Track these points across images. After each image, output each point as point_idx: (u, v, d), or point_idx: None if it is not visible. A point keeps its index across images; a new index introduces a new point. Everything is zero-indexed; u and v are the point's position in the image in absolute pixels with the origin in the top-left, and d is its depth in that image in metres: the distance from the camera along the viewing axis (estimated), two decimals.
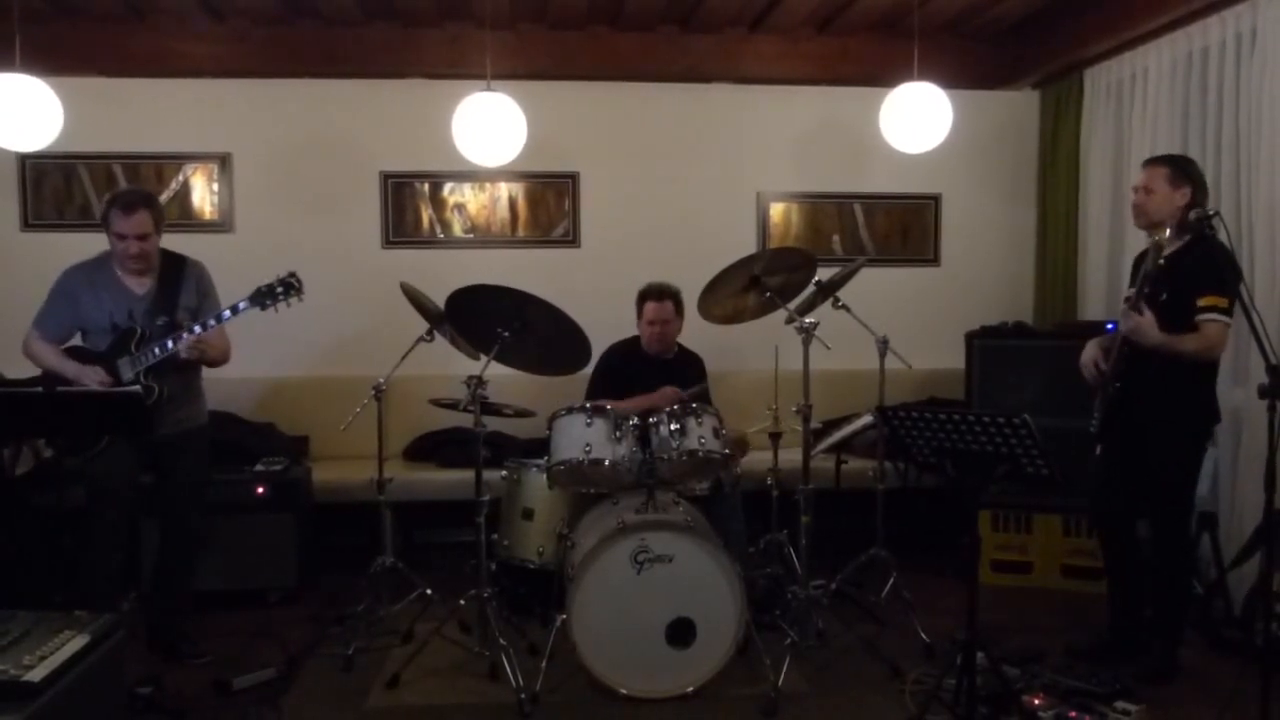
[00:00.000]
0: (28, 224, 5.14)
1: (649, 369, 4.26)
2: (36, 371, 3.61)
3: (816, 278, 3.83)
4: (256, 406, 4.97)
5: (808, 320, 3.49)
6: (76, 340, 3.56)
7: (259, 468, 4.33)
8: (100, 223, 3.48)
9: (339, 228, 5.27)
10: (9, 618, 2.40)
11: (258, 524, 4.19)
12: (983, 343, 4.68)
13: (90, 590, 3.39)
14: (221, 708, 3.21)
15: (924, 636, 3.68)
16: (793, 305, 3.77)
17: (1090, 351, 3.46)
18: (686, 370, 4.34)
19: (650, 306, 4.25)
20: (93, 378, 3.38)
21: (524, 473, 3.92)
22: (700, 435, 3.43)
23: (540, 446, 3.77)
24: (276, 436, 4.79)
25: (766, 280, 3.70)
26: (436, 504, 4.63)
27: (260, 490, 4.22)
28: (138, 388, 3.25)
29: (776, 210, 5.51)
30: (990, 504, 4.51)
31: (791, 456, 3.91)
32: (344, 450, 4.65)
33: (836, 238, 5.55)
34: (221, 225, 5.22)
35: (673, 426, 3.42)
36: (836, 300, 3.87)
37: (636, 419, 3.49)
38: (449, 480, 4.58)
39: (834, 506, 4.38)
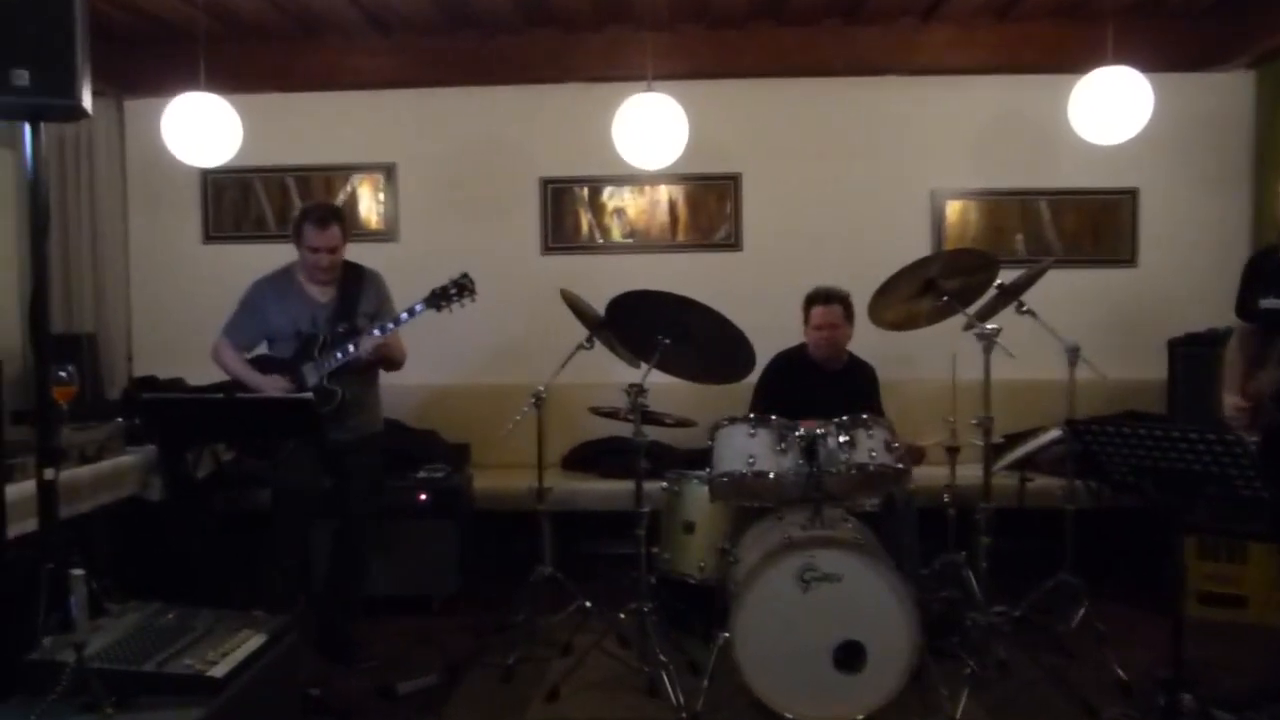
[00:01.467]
0: (209, 236, 5.60)
1: (817, 379, 4.25)
2: (219, 377, 3.95)
3: (998, 281, 3.73)
4: (419, 414, 5.24)
5: (989, 326, 3.40)
6: (263, 348, 3.86)
7: (422, 474, 4.56)
8: (292, 235, 3.76)
9: (499, 234, 5.49)
10: (193, 615, 2.58)
11: (420, 530, 4.40)
12: (1188, 351, 4.44)
13: (269, 591, 3.66)
14: (385, 712, 3.40)
15: (1120, 672, 3.52)
16: (972, 310, 3.69)
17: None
18: (857, 380, 4.31)
19: (818, 311, 4.25)
20: (275, 386, 3.67)
21: (685, 484, 3.98)
22: (870, 448, 3.39)
23: (702, 458, 3.81)
24: (438, 444, 5.03)
25: (943, 283, 3.63)
26: (596, 514, 4.75)
27: (423, 497, 4.44)
28: (309, 394, 3.51)
29: (953, 209, 5.40)
30: (1197, 529, 4.27)
31: (970, 472, 3.82)
32: (504, 458, 4.84)
33: (1020, 237, 5.38)
34: (387, 234, 5.54)
35: (841, 439, 3.40)
36: (1021, 305, 3.76)
37: (802, 430, 3.49)
38: (608, 490, 4.70)
39: (1016, 527, 4.24)
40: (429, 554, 4.41)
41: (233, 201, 5.59)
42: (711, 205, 5.46)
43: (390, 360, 3.83)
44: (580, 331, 4.10)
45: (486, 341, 5.43)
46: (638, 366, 4.04)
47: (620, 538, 4.27)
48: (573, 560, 4.77)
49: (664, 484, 4.04)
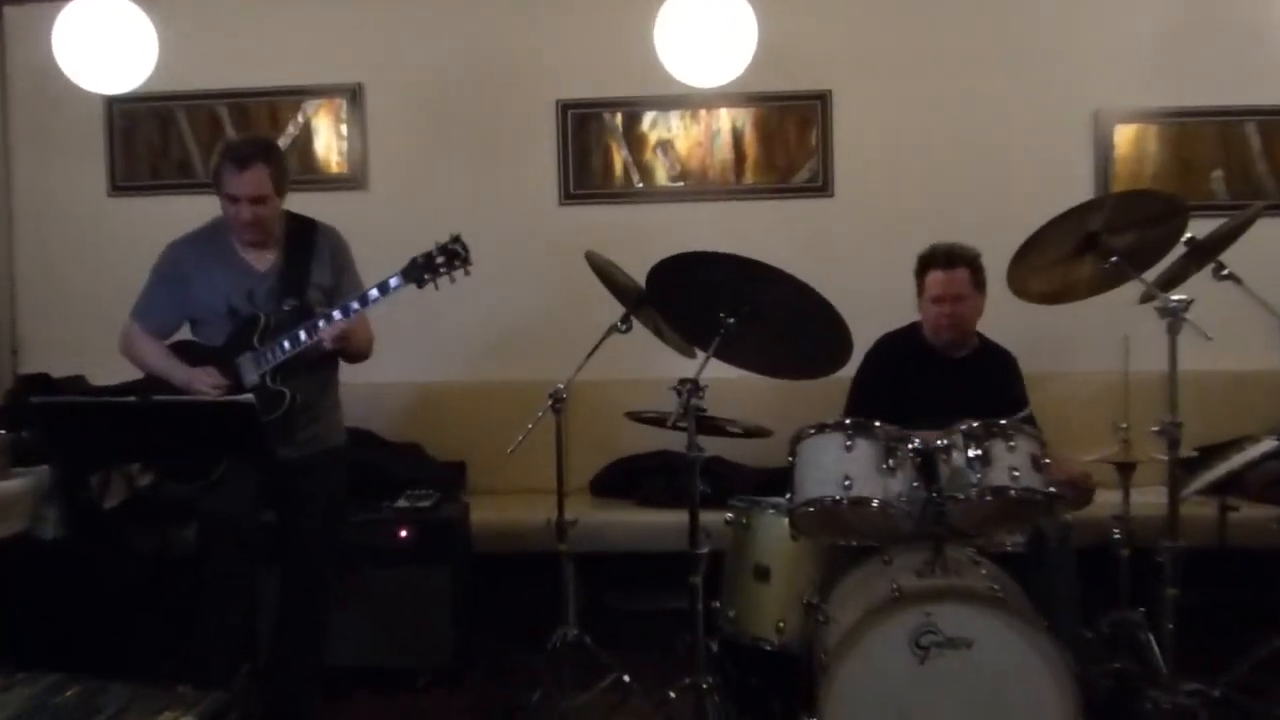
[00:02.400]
0: (116, 186, 5.69)
1: (936, 370, 4.23)
2: (133, 374, 3.99)
3: (1188, 234, 3.68)
4: (398, 422, 5.28)
5: (1175, 298, 3.34)
6: (186, 333, 3.90)
7: (402, 503, 4.58)
8: (210, 182, 3.79)
9: (502, 179, 5.52)
10: (99, 691, 2.58)
11: (401, 579, 4.43)
12: None
13: (200, 659, 3.69)
14: None
15: None
16: (1151, 276, 3.64)
17: None
18: (991, 372, 4.27)
19: (937, 278, 4.21)
20: (206, 381, 3.69)
21: (757, 516, 3.96)
22: (1012, 466, 3.35)
23: (779, 479, 3.78)
24: (424, 462, 5.07)
25: (1110, 240, 3.58)
26: (635, 556, 4.76)
27: (404, 534, 4.46)
28: (250, 396, 3.52)
29: (1125, 136, 5.35)
30: None
31: (1149, 499, 3.77)
32: (512, 481, 4.87)
33: (1219, 174, 5.33)
34: (351, 180, 5.59)
35: (971, 453, 3.36)
36: (1220, 268, 3.70)
37: (918, 441, 3.46)
38: (652, 524, 4.71)
39: (1215, 573, 4.19)
40: (412, 611, 4.43)
41: (148, 140, 5.67)
42: (791, 136, 5.45)
43: (352, 350, 3.83)
44: (613, 309, 4.10)
45: (489, 323, 5.47)
46: (692, 356, 4.03)
47: (669, 588, 4.25)
48: (606, 619, 4.77)
49: (728, 515, 4.03)
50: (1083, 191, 5.22)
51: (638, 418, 4.14)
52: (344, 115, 5.60)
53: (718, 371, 3.56)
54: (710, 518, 3.60)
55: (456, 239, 3.69)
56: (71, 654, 3.96)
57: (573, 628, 4.06)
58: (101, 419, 3.30)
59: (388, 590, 4.42)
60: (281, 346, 3.69)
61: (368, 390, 4.85)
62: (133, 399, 3.32)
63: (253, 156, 3.68)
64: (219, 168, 3.71)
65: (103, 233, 5.63)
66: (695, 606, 3.43)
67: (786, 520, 3.65)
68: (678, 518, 3.64)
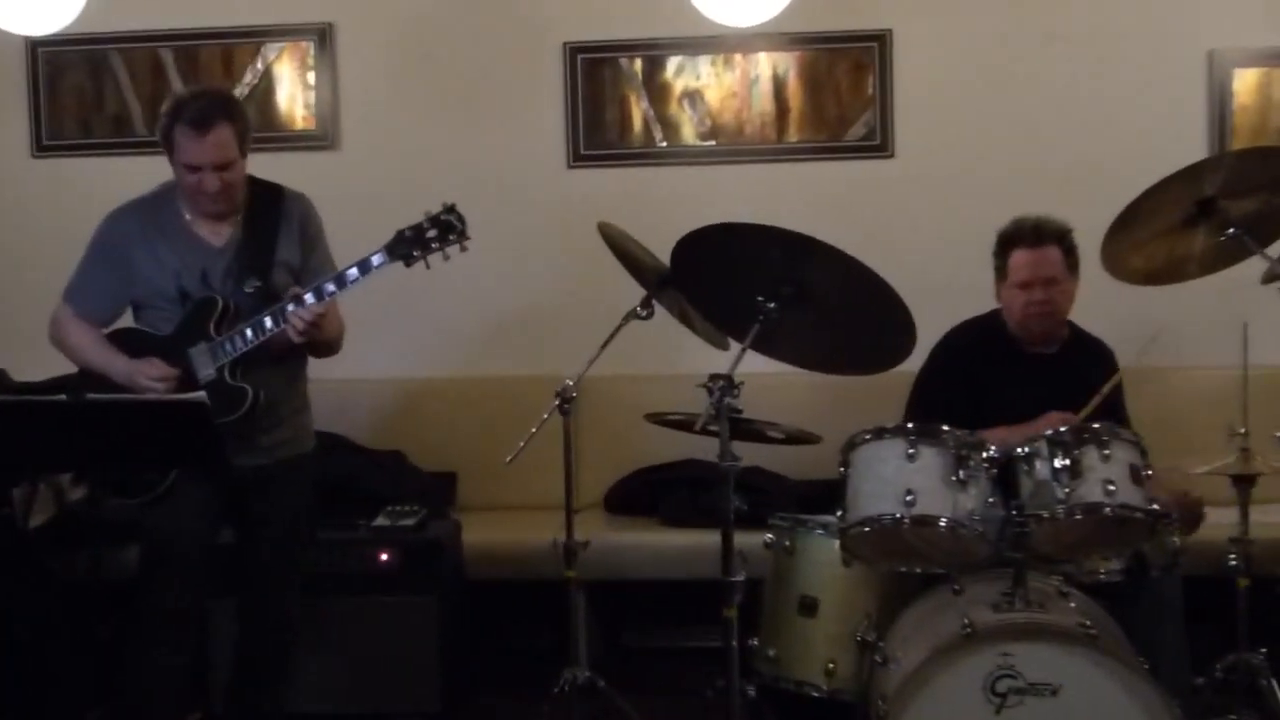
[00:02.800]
0: (41, 146, 5.71)
1: (1018, 367, 4.23)
2: (67, 368, 4.01)
3: None
4: (377, 425, 5.32)
5: None
6: (128, 320, 3.91)
7: (381, 521, 4.61)
8: (160, 142, 3.78)
9: (500, 138, 5.54)
10: None
11: (381, 611, 4.45)
12: None
13: (142, 704, 3.72)
14: None
15: None
16: (1277, 251, 3.64)
17: None
18: (1082, 368, 4.26)
19: (1023, 258, 4.19)
20: (150, 375, 3.68)
21: (802, 538, 3.96)
22: (1107, 479, 3.35)
23: (828, 493, 3.79)
24: (407, 473, 5.09)
25: (1227, 207, 3.59)
26: (658, 585, 4.80)
27: (384, 557, 4.49)
28: (202, 394, 3.54)
29: (1245, 82, 5.35)
30: None
31: (1274, 518, 3.77)
32: (511, 496, 4.92)
33: None
34: (320, 137, 5.62)
35: (1058, 463, 3.36)
36: None
37: (994, 450, 3.48)
38: (678, 547, 4.73)
39: None
40: (395, 648, 4.46)
41: (77, 89, 5.69)
42: (843, 84, 5.45)
43: (320, 341, 3.83)
44: (631, 291, 4.13)
45: (481, 310, 5.50)
46: (725, 348, 4.05)
47: (697, 622, 4.30)
48: (622, 659, 4.83)
49: (768, 536, 4.04)
50: (1195, 149, 5.20)
51: (660, 420, 4.14)
52: (311, 61, 5.62)
53: (755, 366, 3.57)
54: (747, 539, 3.61)
55: (451, 209, 3.68)
56: None
57: (583, 669, 4.09)
58: (25, 421, 3.32)
59: (364, 624, 4.45)
60: (243, 335, 3.69)
61: (341, 388, 4.90)
62: (62, 397, 3.33)
63: (214, 115, 3.67)
64: (170, 130, 3.70)
65: (25, 199, 5.66)
66: (729, 644, 3.44)
67: (837, 543, 3.65)
68: (708, 539, 3.68)
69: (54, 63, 5.69)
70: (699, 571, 4.22)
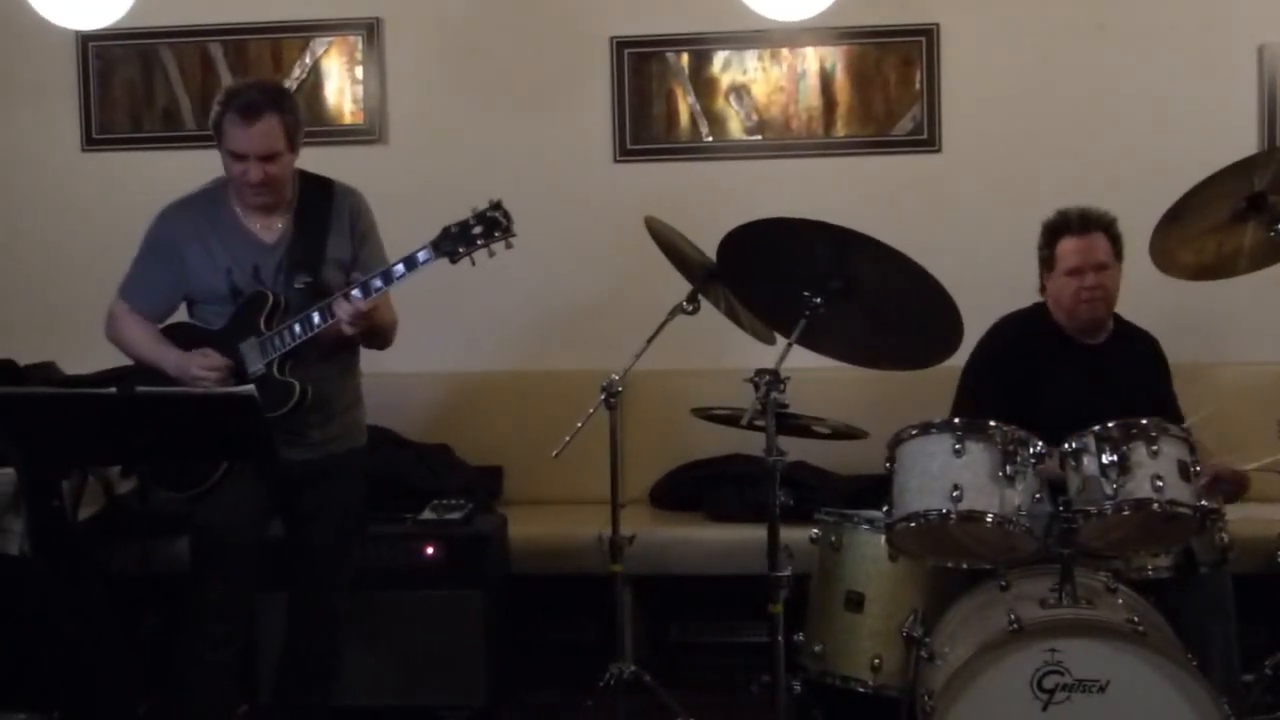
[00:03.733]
0: (91, 139, 5.77)
1: (1066, 359, 4.21)
2: (114, 361, 4.08)
3: None
4: (424, 419, 5.35)
5: None
6: (182, 314, 3.95)
7: (428, 515, 4.64)
8: (212, 134, 3.81)
9: (546, 132, 5.57)
10: None
11: (427, 605, 4.48)
12: None
13: (187, 700, 3.77)
14: None
15: None
16: None
17: None
18: (1131, 361, 4.25)
19: (1071, 245, 4.17)
20: (202, 367, 3.70)
21: (848, 533, 3.97)
22: (1156, 475, 3.34)
23: (874, 489, 3.82)
24: (454, 467, 5.13)
25: (1278, 202, 3.57)
26: (703, 580, 4.81)
27: (430, 551, 4.51)
28: (250, 387, 3.56)
29: None
30: None
31: None
32: (557, 490, 4.97)
33: None
34: (367, 132, 5.65)
35: (1106, 458, 3.36)
36: None
37: (1042, 445, 3.47)
38: (724, 542, 4.73)
39: None
40: (441, 642, 4.48)
41: (129, 84, 5.75)
42: (891, 79, 5.46)
43: (374, 333, 3.88)
44: (677, 286, 4.14)
45: (527, 304, 5.52)
46: (771, 342, 4.05)
47: (743, 618, 4.30)
48: (668, 653, 4.84)
49: (814, 532, 4.05)
50: (1245, 144, 5.17)
51: (707, 415, 4.15)
52: (359, 55, 5.66)
53: (802, 360, 3.59)
54: (792, 535, 3.63)
55: (497, 205, 3.68)
56: (39, 691, 4.02)
57: (629, 663, 4.11)
58: (75, 414, 3.35)
59: (411, 618, 4.47)
60: (291, 331, 3.71)
61: (389, 382, 4.89)
62: (111, 390, 3.35)
63: (262, 105, 3.69)
64: (220, 119, 3.73)
65: (76, 193, 5.71)
66: (775, 640, 3.46)
67: (883, 538, 3.67)
68: (754, 534, 3.69)
69: (104, 57, 5.74)
70: (745, 567, 4.24)
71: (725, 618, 5.04)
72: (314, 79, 5.68)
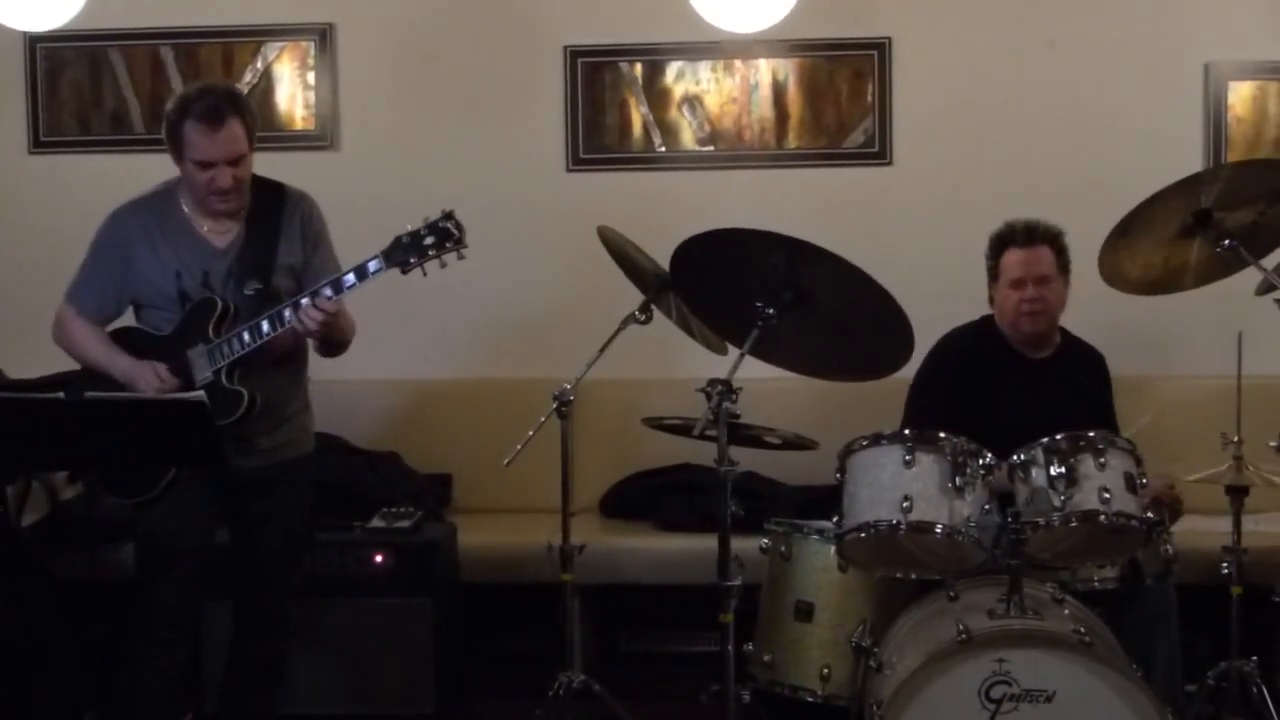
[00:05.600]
0: (39, 142, 5.70)
1: (1012, 371, 4.25)
2: (60, 366, 4.03)
3: None
4: (373, 427, 5.32)
5: None
6: (129, 320, 3.92)
7: (377, 523, 4.61)
8: (166, 140, 3.76)
9: (499, 140, 5.54)
10: None
11: (375, 613, 4.46)
12: None
13: (131, 707, 3.74)
14: None
15: None
16: (1271, 262, 3.66)
17: None
18: (1076, 375, 4.29)
19: (1015, 257, 4.21)
20: (149, 376, 3.69)
21: (798, 543, 3.97)
22: (1103, 487, 3.38)
23: (823, 500, 3.83)
24: (402, 474, 5.10)
25: (1224, 218, 3.61)
26: (653, 589, 4.79)
27: (379, 559, 4.49)
28: (200, 394, 3.55)
29: (1240, 95, 5.35)
30: None
31: (1266, 527, 3.79)
32: (506, 499, 4.94)
33: None
34: (319, 138, 5.63)
35: (1053, 470, 3.39)
36: None
37: (991, 457, 3.50)
38: (673, 551, 4.73)
39: None
40: (388, 651, 4.47)
41: (75, 86, 5.69)
42: (843, 91, 5.47)
43: (331, 340, 3.85)
44: (629, 295, 4.16)
45: (478, 312, 5.50)
46: (723, 353, 4.07)
47: (692, 627, 4.30)
48: (618, 663, 4.83)
49: (764, 541, 4.05)
50: (1190, 161, 5.16)
51: (658, 425, 4.14)
52: (311, 60, 5.63)
53: (753, 371, 3.58)
54: (743, 544, 3.63)
55: (449, 216, 3.65)
56: None
57: (579, 673, 4.11)
58: (22, 419, 3.31)
59: (359, 626, 4.46)
60: (241, 338, 3.68)
61: (338, 389, 4.88)
62: (60, 395, 3.33)
63: (225, 110, 3.66)
64: (178, 126, 3.69)
65: (21, 196, 5.65)
66: (725, 649, 3.46)
67: (833, 548, 3.70)
68: (704, 544, 3.70)
69: (53, 59, 5.68)
70: (694, 576, 4.22)
71: (675, 627, 5.03)
72: (266, 84, 5.64)
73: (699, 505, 4.77)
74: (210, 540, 3.86)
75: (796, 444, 4.13)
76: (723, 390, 3.42)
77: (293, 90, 5.66)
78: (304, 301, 3.65)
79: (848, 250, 3.48)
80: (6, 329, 5.13)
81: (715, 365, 3.69)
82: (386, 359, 5.30)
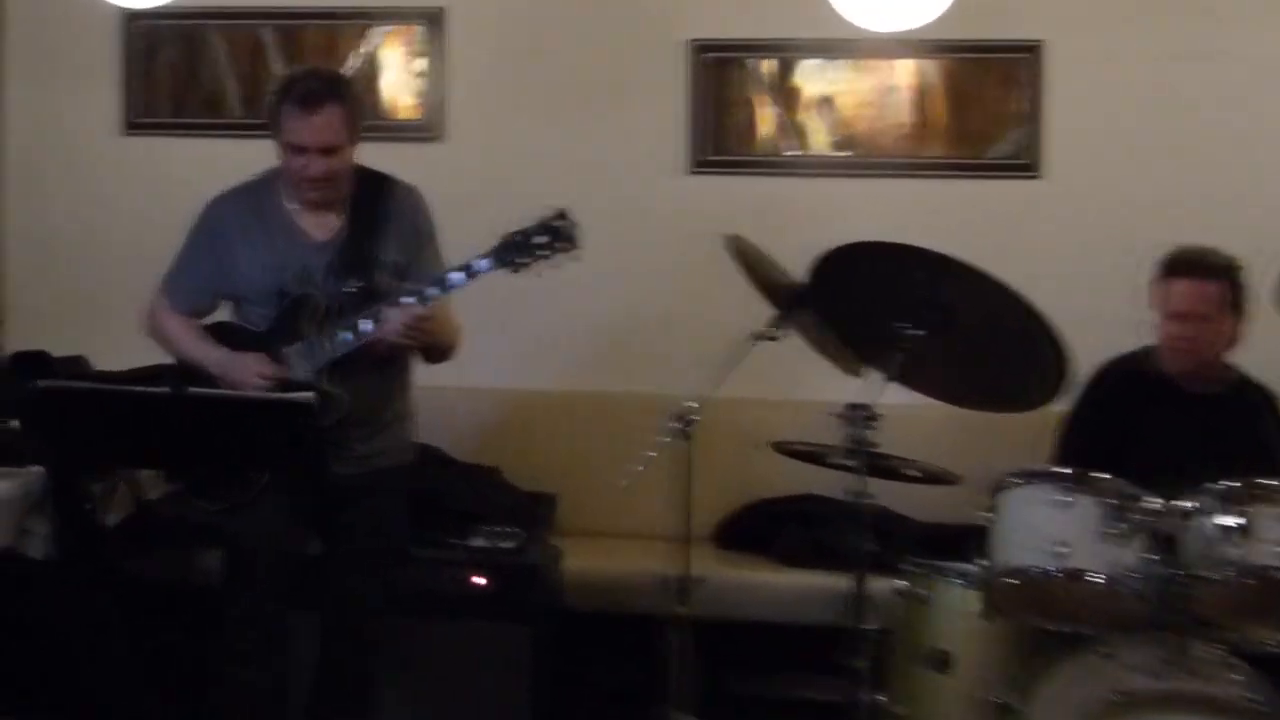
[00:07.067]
0: (132, 124, 5.76)
1: (1175, 408, 4.15)
2: (153, 358, 4.05)
3: None
4: (474, 439, 5.31)
5: None
6: (224, 314, 3.96)
7: (477, 542, 4.62)
8: (268, 123, 3.81)
9: (617, 138, 5.53)
10: None
11: (471, 637, 4.44)
12: None
13: (220, 717, 3.78)
14: None
15: None
16: None
17: None
18: (1245, 416, 4.17)
19: (1179, 288, 4.11)
20: (250, 371, 3.71)
21: (938, 586, 3.90)
22: None
23: (958, 538, 3.77)
24: (504, 492, 5.09)
25: None
26: (771, 628, 4.73)
27: (477, 581, 4.48)
28: (309, 394, 3.53)
29: None
30: None
31: None
32: (617, 522, 4.95)
33: None
34: (425, 129, 5.63)
35: (1229, 520, 3.30)
36: None
37: (1156, 501, 3.41)
38: (792, 588, 4.71)
39: None
40: (484, 678, 4.44)
41: (172, 66, 5.73)
42: (990, 97, 5.41)
43: (434, 345, 3.87)
44: (759, 311, 4.08)
45: (592, 320, 5.48)
46: (859, 376, 3.98)
47: (815, 670, 4.22)
48: (727, 704, 4.74)
49: (899, 583, 3.98)
50: None
51: (789, 450, 4.11)
52: (419, 46, 5.64)
53: (894, 398, 3.58)
54: (876, 586, 3.63)
55: (563, 214, 3.69)
56: (57, 703, 4.04)
57: (685, 713, 4.04)
58: (121, 413, 3.34)
59: (454, 650, 4.44)
60: (340, 337, 3.71)
61: (437, 396, 4.82)
62: (164, 390, 3.34)
63: (324, 95, 3.71)
64: (277, 108, 3.75)
65: (113, 180, 5.70)
66: (856, 699, 3.42)
67: (976, 594, 3.62)
68: (826, 581, 3.65)
69: (149, 37, 5.72)
70: (818, 616, 4.18)
71: (794, 669, 4.94)
72: (370, 71, 5.65)
73: (820, 539, 4.70)
74: (300, 549, 3.87)
75: (938, 478, 4.07)
76: (863, 416, 3.39)
77: (399, 77, 5.68)
78: (406, 300, 3.67)
79: (997, 266, 3.46)
80: (95, 317, 5.19)
81: (841, 388, 3.62)
82: (490, 366, 5.28)
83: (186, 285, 3.92)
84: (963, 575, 3.82)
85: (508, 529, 4.69)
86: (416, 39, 5.63)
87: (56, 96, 5.77)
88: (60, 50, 5.76)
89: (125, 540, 4.52)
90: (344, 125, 3.74)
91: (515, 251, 3.66)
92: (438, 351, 3.93)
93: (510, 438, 5.35)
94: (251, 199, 3.90)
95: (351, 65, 5.60)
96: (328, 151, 3.72)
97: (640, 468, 3.94)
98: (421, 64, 5.63)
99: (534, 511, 5.03)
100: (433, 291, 3.69)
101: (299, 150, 3.71)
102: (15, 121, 5.79)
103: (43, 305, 5.67)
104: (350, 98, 3.81)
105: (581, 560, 4.83)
